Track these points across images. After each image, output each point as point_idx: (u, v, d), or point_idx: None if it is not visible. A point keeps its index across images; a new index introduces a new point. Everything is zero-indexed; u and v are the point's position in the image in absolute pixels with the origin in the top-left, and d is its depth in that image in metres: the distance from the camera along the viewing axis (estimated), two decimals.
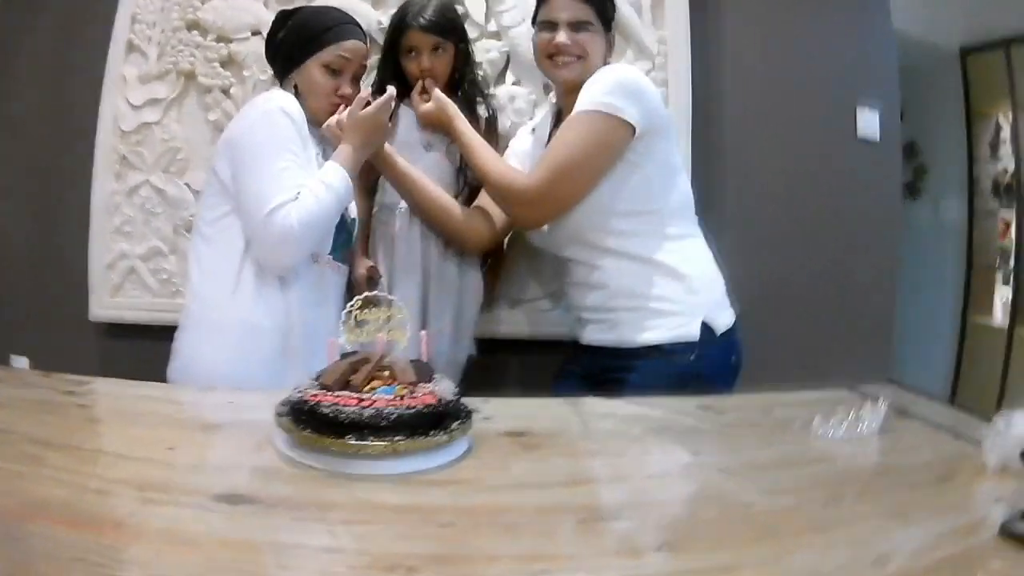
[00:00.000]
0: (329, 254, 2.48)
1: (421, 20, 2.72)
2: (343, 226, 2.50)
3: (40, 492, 1.29)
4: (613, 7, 2.60)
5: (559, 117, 2.65)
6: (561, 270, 2.67)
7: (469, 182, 2.82)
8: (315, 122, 2.50)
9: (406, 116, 2.82)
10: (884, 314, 3.48)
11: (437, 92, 2.67)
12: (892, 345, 3.52)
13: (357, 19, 2.69)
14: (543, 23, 2.57)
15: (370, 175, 2.80)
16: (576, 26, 2.50)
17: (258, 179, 2.31)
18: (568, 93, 2.56)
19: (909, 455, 1.68)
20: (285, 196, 2.27)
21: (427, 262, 2.75)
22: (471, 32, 3.06)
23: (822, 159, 3.39)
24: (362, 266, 2.72)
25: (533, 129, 2.82)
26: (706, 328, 2.41)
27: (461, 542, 1.20)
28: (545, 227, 2.57)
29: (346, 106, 2.46)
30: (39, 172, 3.44)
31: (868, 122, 3.44)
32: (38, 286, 3.44)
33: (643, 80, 2.48)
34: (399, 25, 2.77)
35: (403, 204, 2.73)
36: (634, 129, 2.34)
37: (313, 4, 2.90)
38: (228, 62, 3.27)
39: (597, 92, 2.37)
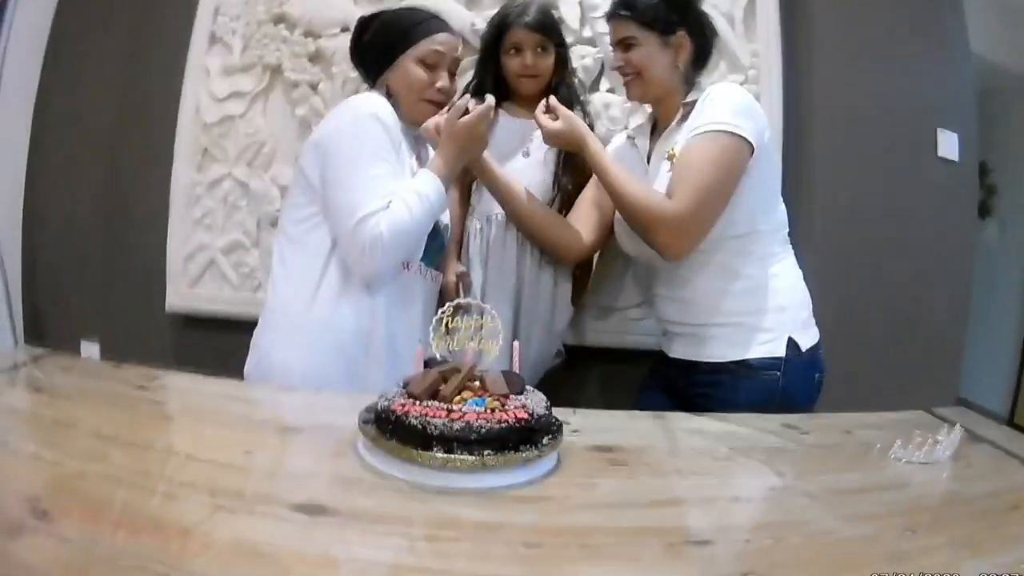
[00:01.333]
0: (420, 260, 2.39)
1: (526, 18, 2.66)
2: (436, 233, 2.40)
3: (102, 492, 1.24)
4: (669, 9, 2.40)
5: (655, 126, 2.57)
6: (652, 281, 2.56)
7: (563, 189, 2.72)
8: (411, 123, 2.42)
9: (504, 120, 2.75)
10: (955, 334, 3.37)
11: (564, 110, 2.46)
12: (960, 365, 3.40)
13: (451, 21, 2.59)
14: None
15: (465, 180, 2.76)
16: (623, 46, 2.42)
17: (349, 186, 2.23)
18: (654, 106, 2.53)
19: (979, 483, 1.62)
20: (376, 205, 2.18)
21: (521, 270, 2.69)
22: (566, 37, 2.95)
23: (903, 179, 3.28)
24: (453, 272, 2.64)
25: (630, 136, 2.69)
26: (792, 345, 2.31)
27: (545, 565, 1.14)
28: (627, 238, 2.50)
29: (446, 108, 2.38)
30: (120, 160, 3.42)
31: (948, 143, 3.32)
32: (115, 273, 3.43)
33: (752, 99, 2.36)
34: (502, 23, 2.72)
35: (499, 211, 2.66)
36: (752, 148, 2.23)
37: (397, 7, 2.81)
38: (316, 57, 3.22)
39: (718, 112, 2.24)
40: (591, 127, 2.70)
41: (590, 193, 2.62)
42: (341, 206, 2.21)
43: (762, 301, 2.34)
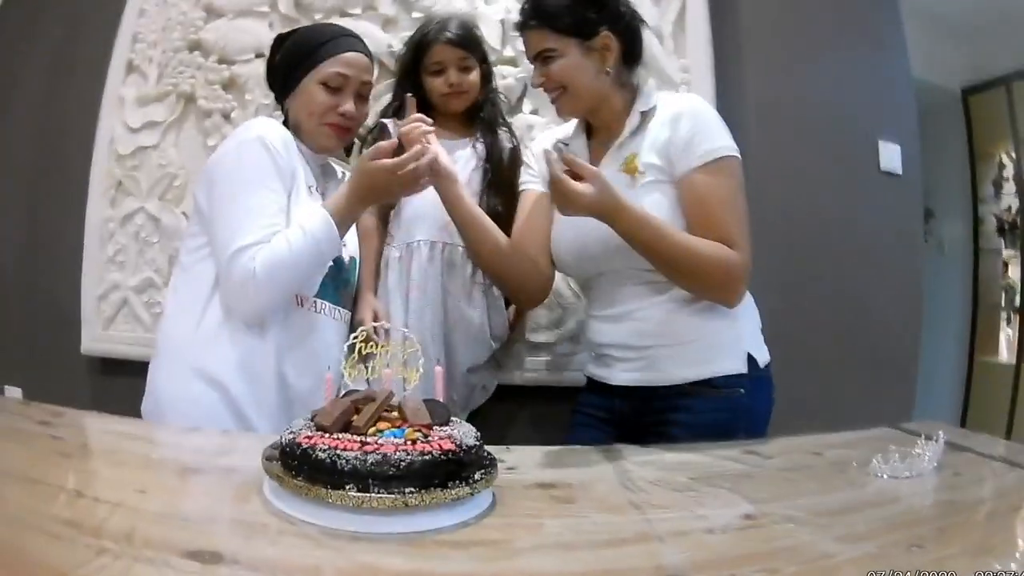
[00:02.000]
0: (320, 298, 2.21)
1: (447, 34, 2.54)
2: (340, 267, 2.27)
3: None
4: (583, 8, 2.15)
5: (589, 132, 2.35)
6: (589, 303, 2.38)
7: (492, 211, 2.50)
8: (316, 150, 2.29)
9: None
10: (907, 352, 3.28)
11: (592, 168, 1.99)
12: (913, 382, 3.29)
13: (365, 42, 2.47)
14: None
15: (384, 207, 2.57)
16: (542, 59, 2.20)
17: (228, 215, 2.07)
18: (588, 116, 2.32)
19: (973, 489, 1.58)
20: (252, 238, 2.01)
21: (448, 300, 2.53)
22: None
23: (846, 193, 3.18)
24: (369, 308, 2.42)
25: (562, 144, 2.35)
26: (751, 361, 2.17)
27: None
28: (569, 257, 2.30)
29: (342, 127, 2.27)
30: (34, 196, 3.31)
31: (890, 155, 3.25)
32: (32, 316, 3.31)
33: None
34: (421, 41, 2.58)
35: (421, 238, 2.51)
36: None
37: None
38: (229, 85, 3.09)
39: (718, 135, 2.10)
40: (518, 150, 2.64)
41: (532, 221, 2.37)
42: (219, 237, 2.07)
43: (717, 317, 2.16)
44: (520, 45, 2.62)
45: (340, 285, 2.28)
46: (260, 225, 2.01)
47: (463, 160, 2.54)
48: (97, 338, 3.08)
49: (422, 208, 2.49)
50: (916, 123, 3.37)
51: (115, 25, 3.15)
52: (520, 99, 3.03)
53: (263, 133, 2.11)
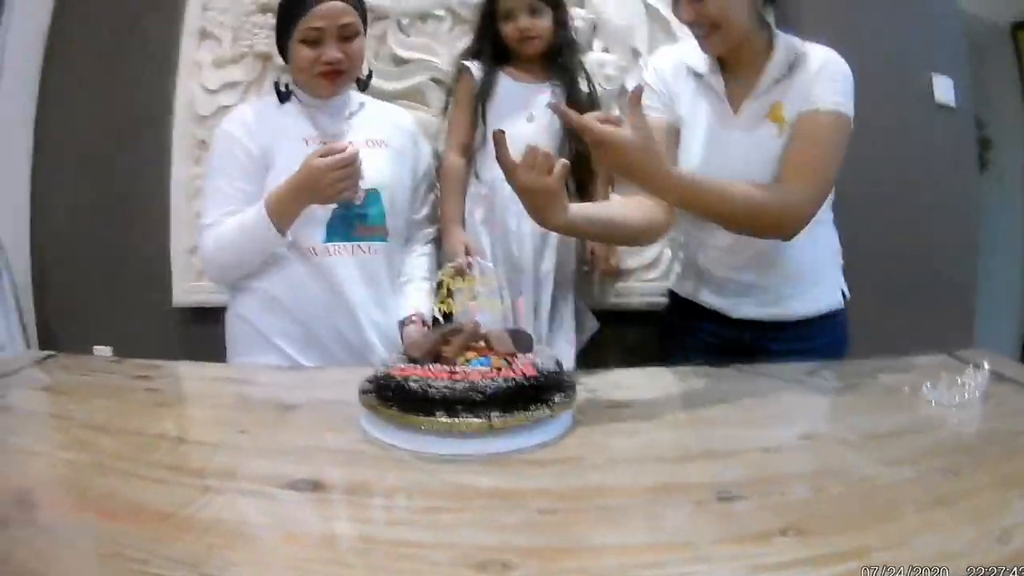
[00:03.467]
0: (329, 241, 2.26)
1: None
2: (348, 204, 2.27)
3: (89, 481, 1.18)
4: None
5: (723, 66, 2.14)
6: (703, 230, 2.24)
7: (576, 153, 2.50)
8: (322, 97, 2.35)
9: (507, 84, 2.64)
10: (966, 280, 3.29)
11: (641, 119, 1.68)
12: (973, 312, 3.32)
13: None
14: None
15: (466, 137, 2.64)
16: None
17: (203, 197, 2.38)
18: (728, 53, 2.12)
19: (1014, 419, 1.54)
20: (210, 218, 2.25)
21: (535, 237, 2.59)
22: None
23: (902, 126, 3.16)
24: (458, 243, 2.48)
25: (697, 73, 2.14)
26: (843, 293, 2.28)
27: (563, 532, 1.02)
28: None
29: (330, 72, 2.28)
30: (119, 161, 3.30)
31: (944, 88, 3.22)
32: (121, 274, 3.32)
33: None
34: None
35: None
36: None
37: None
38: None
39: (842, 90, 2.03)
40: (595, 94, 2.69)
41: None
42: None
43: (828, 253, 2.28)
44: None
45: (352, 221, 2.29)
46: (218, 206, 2.23)
47: (540, 104, 2.56)
48: (189, 290, 3.15)
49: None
50: (966, 56, 3.34)
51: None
52: (591, 39, 3.03)
53: (224, 127, 2.35)
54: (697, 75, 2.13)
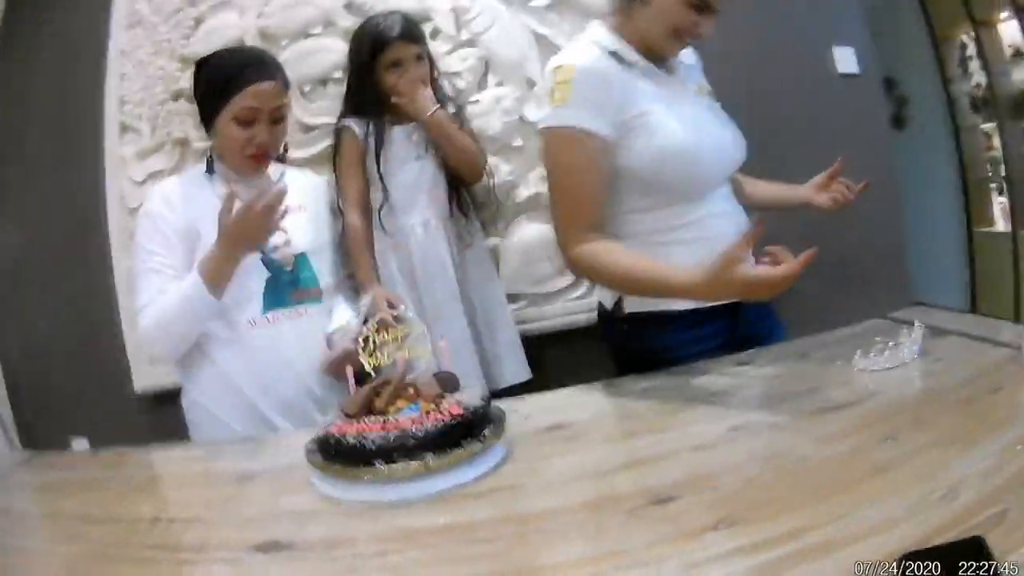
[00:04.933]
0: (271, 309, 2.28)
1: (401, 31, 2.60)
2: (279, 273, 2.30)
3: (80, 570, 1.25)
4: None
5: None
6: (679, 225, 2.14)
7: (463, 185, 2.76)
8: (247, 175, 2.37)
9: (397, 131, 2.68)
10: (896, 240, 3.36)
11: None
12: (908, 270, 3.37)
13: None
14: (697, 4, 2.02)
15: (362, 195, 2.67)
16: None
17: (133, 281, 2.31)
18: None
19: (953, 373, 1.56)
20: (144, 299, 2.22)
21: (455, 272, 2.69)
22: (445, 45, 3.03)
23: (809, 99, 3.26)
24: (380, 299, 2.32)
25: (614, 53, 2.05)
26: None
27: (507, 557, 1.07)
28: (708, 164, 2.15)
29: (260, 154, 2.32)
30: (62, 262, 3.37)
31: (846, 58, 3.31)
32: (85, 369, 3.36)
33: None
34: (378, 40, 2.62)
35: (417, 222, 2.67)
36: None
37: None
38: None
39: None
40: (463, 110, 2.84)
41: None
42: None
43: None
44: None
45: (287, 288, 2.30)
46: (149, 290, 2.21)
47: (427, 144, 2.68)
48: (146, 376, 3.17)
49: (408, 193, 2.65)
50: (865, 22, 3.41)
51: (101, 90, 3.25)
52: (484, 76, 3.10)
53: (146, 206, 2.33)
54: (628, 64, 2.06)
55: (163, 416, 3.09)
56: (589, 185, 1.98)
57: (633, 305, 2.13)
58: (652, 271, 1.88)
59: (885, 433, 1.26)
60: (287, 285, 2.30)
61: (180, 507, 1.53)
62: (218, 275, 2.14)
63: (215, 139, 2.34)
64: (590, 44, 2.08)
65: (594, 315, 2.51)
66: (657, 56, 2.09)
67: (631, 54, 2.06)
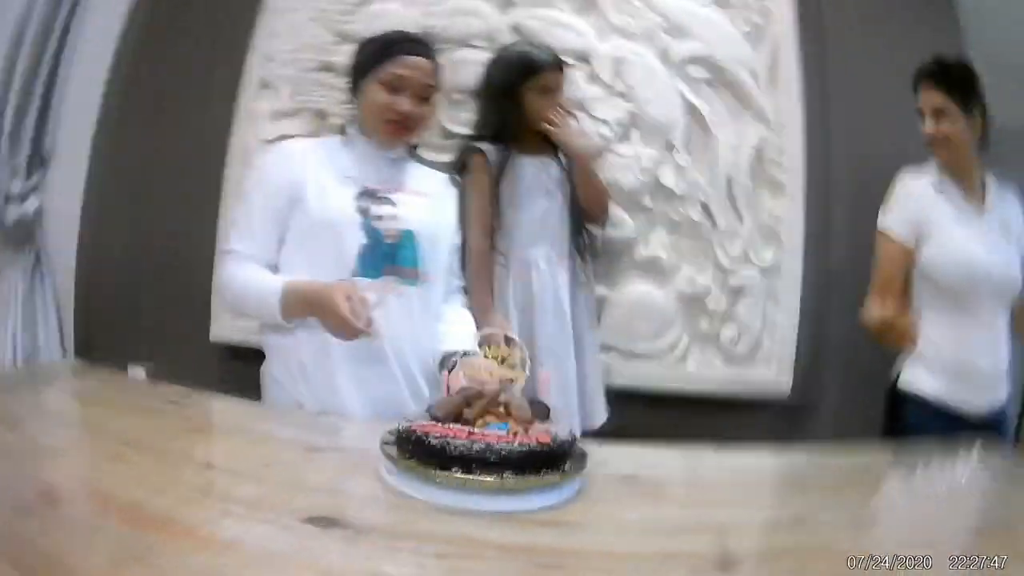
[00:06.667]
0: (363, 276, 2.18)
1: (556, 59, 2.66)
2: (378, 241, 2.20)
3: (114, 488, 1.23)
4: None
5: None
6: (957, 318, 2.57)
7: (587, 227, 2.79)
8: (378, 145, 2.31)
9: (521, 163, 2.69)
10: None
11: None
12: None
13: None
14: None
15: (489, 220, 2.62)
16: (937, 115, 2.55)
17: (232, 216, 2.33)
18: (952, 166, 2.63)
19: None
20: (232, 244, 2.24)
21: (574, 315, 2.72)
22: (598, 90, 3.08)
23: None
24: (496, 326, 2.08)
25: (934, 184, 2.64)
26: None
27: None
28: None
29: (400, 123, 2.27)
30: (172, 193, 3.41)
31: None
32: (166, 303, 3.40)
33: None
34: (531, 64, 2.65)
35: (539, 254, 2.69)
36: None
37: None
38: None
39: None
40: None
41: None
42: None
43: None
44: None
45: (380, 261, 2.20)
46: (238, 239, 2.23)
47: (560, 182, 2.70)
48: (227, 327, 3.19)
49: (535, 227, 2.67)
50: None
51: (248, 43, 3.30)
52: (628, 131, 3.11)
53: (264, 156, 2.43)
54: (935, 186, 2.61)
55: (232, 371, 3.14)
56: None
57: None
58: None
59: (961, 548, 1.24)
60: (382, 257, 2.23)
61: (236, 460, 1.52)
62: (293, 312, 2.11)
63: (359, 101, 2.32)
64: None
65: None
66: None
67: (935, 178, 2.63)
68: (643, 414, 2.99)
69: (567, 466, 1.37)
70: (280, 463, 1.50)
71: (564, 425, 1.50)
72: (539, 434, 1.37)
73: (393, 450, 1.39)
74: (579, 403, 2.74)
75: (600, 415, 2.81)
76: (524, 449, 1.31)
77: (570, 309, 2.69)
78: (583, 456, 1.45)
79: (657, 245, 3.08)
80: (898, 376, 2.54)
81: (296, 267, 2.18)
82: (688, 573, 1.12)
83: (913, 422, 2.47)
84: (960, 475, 1.70)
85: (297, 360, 2.17)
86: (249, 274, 2.18)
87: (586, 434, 2.63)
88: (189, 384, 2.05)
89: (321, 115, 3.20)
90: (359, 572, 1.05)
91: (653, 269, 3.07)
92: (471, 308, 2.43)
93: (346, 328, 1.94)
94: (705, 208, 3.09)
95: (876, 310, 2.54)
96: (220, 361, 3.27)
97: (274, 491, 1.32)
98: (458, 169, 2.69)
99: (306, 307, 2.06)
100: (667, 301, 3.09)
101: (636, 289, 3.09)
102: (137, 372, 3.13)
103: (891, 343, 2.55)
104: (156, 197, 3.45)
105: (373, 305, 1.96)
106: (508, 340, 1.69)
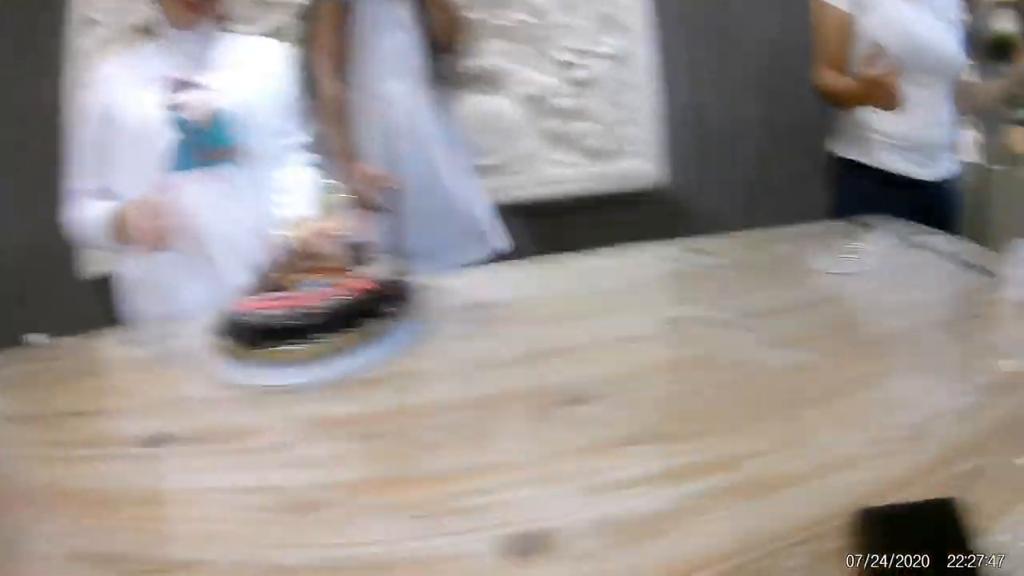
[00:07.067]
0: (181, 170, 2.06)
1: None
2: (190, 131, 2.06)
3: None
4: None
5: None
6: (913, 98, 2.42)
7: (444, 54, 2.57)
8: (177, 27, 2.11)
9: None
10: None
11: None
12: None
13: None
14: None
15: (339, 58, 2.44)
16: None
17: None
18: None
19: (926, 291, 1.44)
20: (70, 183, 2.10)
21: (441, 141, 2.54)
22: None
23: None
24: (362, 177, 2.23)
25: None
26: None
27: (388, 461, 0.97)
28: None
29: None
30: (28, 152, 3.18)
31: None
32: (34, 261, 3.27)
33: None
34: None
35: (404, 89, 2.48)
36: None
37: None
38: None
39: None
40: None
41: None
42: None
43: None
44: None
45: (192, 150, 2.08)
46: (74, 176, 2.09)
47: (413, 14, 2.48)
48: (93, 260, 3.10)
49: (393, 61, 2.48)
50: None
51: None
52: None
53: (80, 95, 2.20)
54: None
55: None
56: None
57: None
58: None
59: (842, 348, 1.13)
60: (194, 147, 2.10)
61: (91, 399, 1.41)
62: (119, 237, 1.99)
63: None
64: None
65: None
66: None
67: None
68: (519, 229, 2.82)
69: (390, 311, 1.26)
70: (125, 387, 1.47)
71: (388, 264, 1.38)
72: (356, 281, 1.26)
73: (219, 340, 1.27)
74: (464, 233, 2.59)
75: (499, 240, 2.65)
76: (333, 305, 1.20)
77: (434, 140, 2.52)
78: (414, 295, 1.35)
79: (491, 53, 2.99)
80: (841, 153, 2.52)
81: (123, 188, 2.04)
82: (530, 416, 1.02)
83: (866, 193, 2.41)
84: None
85: (137, 276, 2.10)
86: (85, 212, 2.07)
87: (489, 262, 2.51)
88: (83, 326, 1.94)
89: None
90: (190, 493, 0.97)
91: (492, 79, 3.00)
92: (333, 159, 2.32)
93: (143, 241, 1.87)
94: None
95: (830, 79, 2.45)
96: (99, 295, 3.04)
97: (117, 420, 1.26)
98: (305, 16, 2.54)
99: (120, 231, 1.96)
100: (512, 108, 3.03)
101: (478, 101, 3.01)
102: (39, 339, 3.04)
103: (877, 103, 2.38)
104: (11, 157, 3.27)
105: (169, 204, 1.86)
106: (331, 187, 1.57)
